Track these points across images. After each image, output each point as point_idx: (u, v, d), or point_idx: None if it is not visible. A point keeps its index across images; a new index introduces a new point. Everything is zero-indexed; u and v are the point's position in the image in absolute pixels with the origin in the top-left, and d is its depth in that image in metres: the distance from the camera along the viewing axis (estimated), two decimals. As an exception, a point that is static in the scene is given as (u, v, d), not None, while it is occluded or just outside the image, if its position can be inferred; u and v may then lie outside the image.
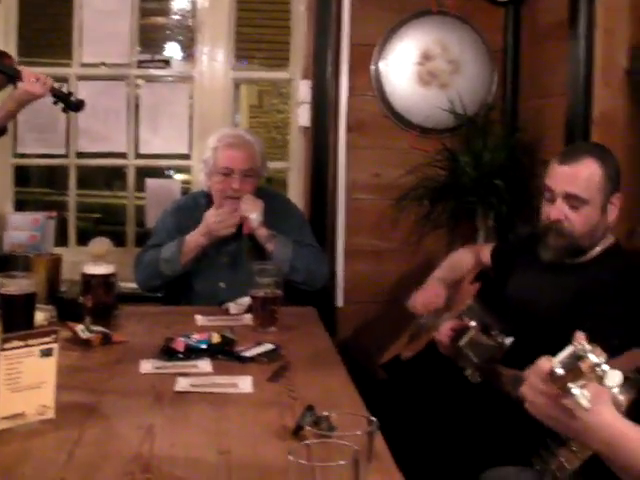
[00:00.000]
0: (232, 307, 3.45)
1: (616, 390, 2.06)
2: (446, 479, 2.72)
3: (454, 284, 3.49)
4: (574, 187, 2.87)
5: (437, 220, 4.50)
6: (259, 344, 2.84)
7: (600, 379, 1.64)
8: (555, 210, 2.92)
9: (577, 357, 1.64)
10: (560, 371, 1.65)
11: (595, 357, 1.62)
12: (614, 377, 1.64)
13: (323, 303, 4.10)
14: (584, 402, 1.64)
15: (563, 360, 1.66)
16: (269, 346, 2.83)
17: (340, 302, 4.58)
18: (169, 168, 5.24)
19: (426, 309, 3.37)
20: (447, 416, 2.95)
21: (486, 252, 3.55)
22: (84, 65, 4.68)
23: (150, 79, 4.81)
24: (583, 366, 1.62)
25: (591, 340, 1.69)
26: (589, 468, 1.91)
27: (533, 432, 1.97)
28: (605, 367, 1.63)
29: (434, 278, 3.49)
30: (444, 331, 2.96)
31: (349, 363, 2.82)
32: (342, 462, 1.32)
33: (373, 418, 1.50)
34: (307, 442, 1.44)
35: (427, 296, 3.40)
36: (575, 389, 1.64)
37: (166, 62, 4.80)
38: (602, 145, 3.18)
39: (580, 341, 1.66)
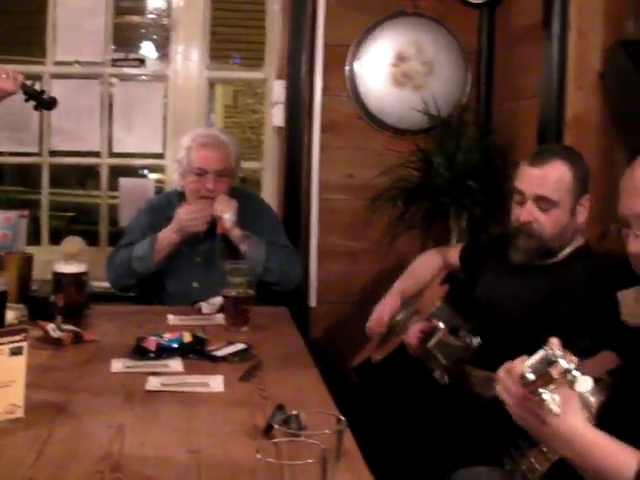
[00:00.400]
0: (204, 307, 3.45)
1: (587, 392, 2.08)
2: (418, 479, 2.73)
3: (419, 289, 3.50)
4: (544, 189, 2.89)
5: (410, 221, 4.51)
6: (231, 344, 2.84)
7: (571, 384, 1.64)
8: (525, 212, 2.93)
9: (548, 362, 1.64)
10: (531, 376, 1.66)
11: (566, 363, 1.63)
12: (585, 383, 1.65)
13: (296, 303, 4.10)
14: (554, 407, 1.65)
15: (534, 365, 1.67)
16: (241, 346, 2.83)
17: (313, 302, 4.58)
18: (143, 167, 5.22)
19: (379, 327, 3.39)
20: (418, 417, 2.96)
21: (454, 254, 3.56)
22: (58, 63, 4.66)
23: (124, 78, 4.79)
24: (554, 372, 1.63)
25: (561, 341, 1.70)
26: (559, 469, 1.93)
27: (504, 432, 1.98)
28: (576, 373, 1.63)
29: (391, 293, 3.51)
30: (413, 333, 2.97)
31: (322, 363, 2.82)
32: (310, 460, 1.32)
33: (342, 417, 1.50)
34: (275, 440, 1.44)
35: (378, 314, 3.43)
36: (545, 394, 1.65)
37: (140, 61, 4.78)
38: (571, 147, 3.20)
39: (552, 346, 1.66)
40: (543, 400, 1.65)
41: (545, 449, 2.01)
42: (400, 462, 2.78)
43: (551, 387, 1.65)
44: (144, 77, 4.85)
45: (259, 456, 1.34)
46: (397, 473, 2.69)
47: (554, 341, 1.68)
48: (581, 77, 3.68)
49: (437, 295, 3.21)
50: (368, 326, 3.45)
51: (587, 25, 3.65)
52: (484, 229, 4.25)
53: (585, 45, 3.66)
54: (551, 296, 2.86)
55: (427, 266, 3.62)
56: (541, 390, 1.65)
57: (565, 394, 1.68)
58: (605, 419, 1.98)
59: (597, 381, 2.11)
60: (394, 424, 2.96)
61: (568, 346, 1.69)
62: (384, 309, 3.43)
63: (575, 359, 1.65)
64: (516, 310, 2.95)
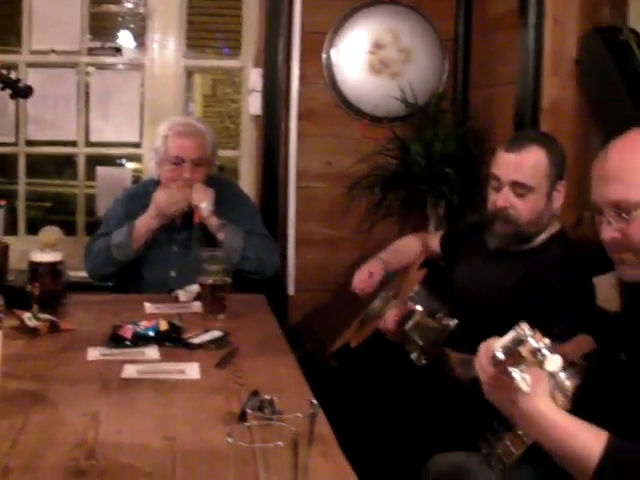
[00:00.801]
0: (181, 295, 3.44)
1: (562, 375, 2.09)
2: (395, 465, 2.74)
3: (399, 269, 3.51)
4: (520, 175, 2.90)
5: (388, 208, 4.52)
6: (207, 331, 2.85)
7: (540, 364, 1.66)
8: (502, 198, 2.94)
9: (518, 342, 1.66)
10: (500, 355, 1.67)
11: (535, 342, 1.64)
12: (554, 362, 1.66)
13: (274, 291, 4.10)
14: (524, 386, 1.66)
15: (505, 345, 1.68)
16: (217, 333, 2.83)
17: (291, 290, 4.58)
18: (120, 157, 5.20)
19: (363, 285, 3.41)
20: (396, 402, 2.97)
21: (435, 240, 3.58)
22: (34, 52, 4.62)
23: (101, 67, 4.77)
24: (523, 350, 1.64)
25: (536, 325, 1.71)
26: (535, 453, 1.94)
27: (481, 416, 1.99)
28: (545, 352, 1.65)
29: (374, 258, 3.53)
30: (390, 316, 2.98)
31: (300, 351, 2.83)
32: (280, 443, 1.32)
33: (314, 401, 1.50)
34: (246, 424, 1.44)
35: (362, 274, 3.45)
36: (515, 373, 1.66)
37: (117, 50, 4.75)
38: (547, 133, 3.21)
39: (522, 327, 1.67)
40: (513, 379, 1.66)
41: (521, 432, 2.02)
42: (378, 447, 2.79)
43: (522, 367, 1.67)
44: (121, 66, 4.82)
45: (230, 440, 1.35)
46: (375, 458, 2.70)
47: (524, 323, 1.70)
48: (557, 64, 3.69)
49: (415, 280, 3.21)
50: (354, 286, 3.47)
51: (563, 12, 3.66)
52: (461, 216, 4.26)
53: (561, 32, 3.67)
54: (527, 281, 2.87)
55: (409, 246, 3.65)
56: (511, 369, 1.67)
57: (535, 376, 1.69)
58: (581, 403, 1.99)
59: (573, 365, 2.14)
60: (372, 409, 2.97)
61: (544, 330, 1.70)
62: (366, 269, 3.47)
63: (547, 341, 1.67)
64: (493, 295, 2.97)
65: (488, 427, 2.06)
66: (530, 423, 1.78)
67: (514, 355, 1.66)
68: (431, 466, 2.61)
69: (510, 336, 1.69)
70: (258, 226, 3.92)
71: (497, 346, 1.69)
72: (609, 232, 1.97)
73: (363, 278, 3.46)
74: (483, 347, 1.82)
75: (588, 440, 1.73)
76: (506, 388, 1.73)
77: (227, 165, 5.13)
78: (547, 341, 1.66)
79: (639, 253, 1.94)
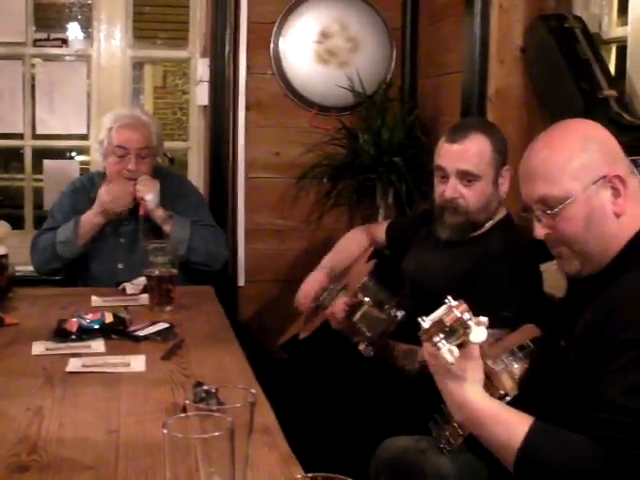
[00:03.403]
0: (128, 287, 3.42)
1: (510, 359, 2.12)
2: (346, 453, 2.74)
3: (346, 266, 3.51)
4: (465, 164, 2.91)
5: (337, 198, 4.53)
6: (154, 323, 2.84)
7: (466, 335, 1.69)
8: (449, 189, 2.95)
9: (443, 313, 1.69)
10: (425, 324, 1.71)
11: (459, 312, 1.68)
12: (479, 334, 1.69)
13: (225, 283, 4.09)
14: (448, 357, 1.69)
15: (432, 317, 1.72)
16: (164, 325, 2.83)
17: (241, 281, 4.56)
18: (67, 149, 5.15)
19: (307, 300, 3.40)
20: (344, 393, 2.98)
21: (380, 230, 3.58)
22: (-23, 44, 4.56)
23: (47, 58, 4.72)
24: (447, 319, 1.68)
25: (484, 310, 1.74)
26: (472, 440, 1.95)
27: (429, 401, 2.00)
28: (470, 323, 1.68)
29: (319, 267, 3.52)
30: (338, 307, 2.98)
31: (250, 342, 2.83)
32: (216, 433, 1.32)
33: (253, 390, 1.50)
34: (182, 415, 1.44)
35: (308, 287, 3.44)
36: (441, 343, 1.69)
37: (63, 41, 4.70)
38: (487, 119, 3.24)
39: (449, 297, 1.71)
40: (439, 349, 1.69)
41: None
42: (328, 437, 2.80)
43: (454, 341, 1.70)
44: (67, 57, 4.76)
45: (165, 431, 1.34)
46: (325, 448, 2.70)
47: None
48: (503, 52, 3.70)
49: (364, 271, 3.22)
50: (296, 301, 3.46)
51: (508, 0, 3.67)
52: (411, 205, 4.27)
53: (507, 20, 3.68)
54: (473, 268, 2.89)
55: (354, 243, 3.64)
56: (437, 339, 1.69)
57: (472, 365, 1.73)
58: (526, 386, 2.02)
59: (522, 348, 2.16)
60: (322, 400, 2.97)
61: (492, 315, 1.73)
62: (311, 283, 3.44)
63: (484, 319, 1.70)
64: (440, 284, 2.96)
65: (436, 411, 2.08)
66: (458, 409, 1.82)
67: (438, 324, 1.69)
68: (380, 452, 2.63)
69: (440, 309, 1.74)
70: (205, 217, 3.90)
71: (426, 319, 1.72)
72: (540, 229, 2.01)
73: (307, 294, 3.44)
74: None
75: (512, 426, 1.78)
76: (437, 362, 1.78)
77: (178, 157, 5.10)
78: (484, 319, 1.70)
79: (571, 246, 1.97)
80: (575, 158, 1.94)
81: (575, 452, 1.70)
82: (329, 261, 3.56)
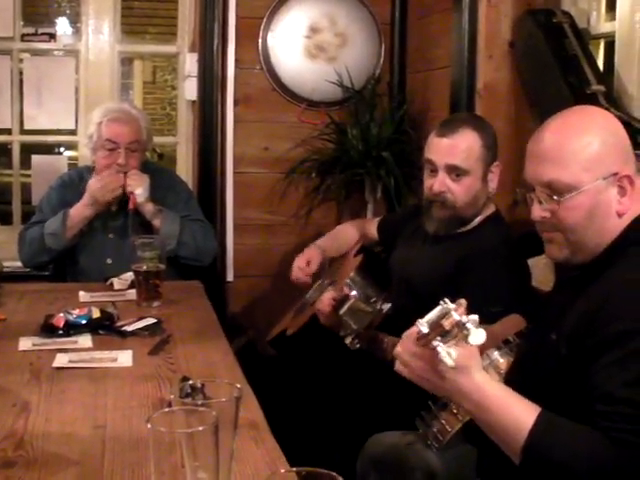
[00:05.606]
0: (116, 282, 3.41)
1: (496, 353, 2.12)
2: (334, 449, 2.75)
3: (338, 255, 3.51)
4: (454, 158, 2.91)
5: (326, 193, 4.53)
6: (141, 318, 2.83)
7: (465, 337, 1.67)
8: (438, 183, 2.95)
9: (441, 316, 1.67)
10: (425, 329, 1.69)
11: (457, 315, 1.66)
12: (478, 336, 1.68)
13: (213, 278, 4.09)
14: (448, 360, 1.67)
15: (429, 320, 1.70)
16: (151, 320, 2.82)
17: (230, 276, 4.56)
18: (55, 145, 5.14)
19: (300, 273, 3.40)
20: (332, 389, 2.98)
21: (372, 227, 3.58)
22: (-36, 39, 4.54)
23: (35, 53, 4.69)
24: (445, 323, 1.66)
25: (472, 306, 1.73)
26: (470, 431, 1.95)
27: (416, 396, 2.00)
28: (469, 325, 1.66)
29: (312, 245, 3.52)
30: (326, 301, 2.98)
31: (239, 337, 2.82)
32: (200, 428, 1.31)
33: (239, 385, 1.50)
34: (167, 410, 1.43)
35: (300, 261, 3.45)
36: (440, 347, 1.68)
37: (51, 36, 4.68)
38: (478, 115, 3.23)
39: (446, 300, 1.69)
40: (437, 353, 1.68)
41: (455, 410, 2.04)
42: (316, 433, 2.80)
43: (451, 342, 1.68)
44: (55, 52, 4.75)
45: (149, 426, 1.33)
46: (313, 444, 2.71)
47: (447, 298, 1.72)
48: (491, 47, 3.70)
49: (352, 266, 3.22)
50: (292, 275, 3.46)
51: (497, -5, 3.68)
52: (399, 200, 4.27)
53: (495, 15, 3.68)
54: (462, 263, 2.89)
55: (347, 233, 3.65)
56: (435, 343, 1.68)
57: (465, 350, 1.71)
58: (512, 380, 2.01)
59: (507, 342, 2.16)
60: (309, 395, 2.98)
61: (480, 311, 1.72)
62: (305, 256, 3.46)
63: (475, 317, 1.68)
64: (428, 278, 2.98)
65: (423, 407, 2.07)
66: (462, 394, 1.79)
67: (437, 328, 1.68)
68: (368, 448, 2.63)
69: (435, 311, 1.70)
70: (195, 212, 3.90)
71: (422, 321, 1.71)
72: (539, 211, 1.99)
73: (301, 266, 3.44)
74: (407, 332, 1.83)
75: (521, 413, 1.75)
76: (432, 364, 1.76)
77: (167, 152, 5.09)
78: (475, 317, 1.67)
79: (567, 234, 1.96)
80: (591, 148, 1.91)
81: (585, 442, 1.69)
82: (323, 243, 3.58)
